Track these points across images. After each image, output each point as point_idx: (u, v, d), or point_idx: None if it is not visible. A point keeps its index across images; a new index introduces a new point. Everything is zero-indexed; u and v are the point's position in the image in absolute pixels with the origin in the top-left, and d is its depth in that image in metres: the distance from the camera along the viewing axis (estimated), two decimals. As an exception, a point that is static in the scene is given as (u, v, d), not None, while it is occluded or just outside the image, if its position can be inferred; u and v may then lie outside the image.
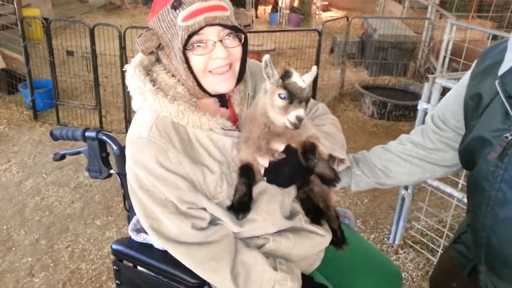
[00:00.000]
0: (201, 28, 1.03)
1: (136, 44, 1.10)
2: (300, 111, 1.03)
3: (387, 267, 1.47)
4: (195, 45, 1.06)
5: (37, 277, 2.32)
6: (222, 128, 1.13)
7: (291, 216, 1.28)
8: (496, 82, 1.06)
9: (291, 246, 1.23)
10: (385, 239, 2.76)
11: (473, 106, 1.16)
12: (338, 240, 1.34)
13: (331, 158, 1.25)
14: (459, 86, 1.23)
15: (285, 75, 1.07)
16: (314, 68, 1.12)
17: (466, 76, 1.21)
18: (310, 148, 1.12)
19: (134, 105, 1.17)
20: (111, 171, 1.27)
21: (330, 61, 6.53)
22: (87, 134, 1.24)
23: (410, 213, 2.57)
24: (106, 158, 1.27)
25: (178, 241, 1.09)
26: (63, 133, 1.28)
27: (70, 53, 4.04)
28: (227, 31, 1.08)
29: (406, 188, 2.48)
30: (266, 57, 1.05)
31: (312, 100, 1.41)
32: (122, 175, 1.22)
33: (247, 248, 1.17)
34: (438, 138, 1.32)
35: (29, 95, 4.18)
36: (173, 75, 1.14)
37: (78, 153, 1.30)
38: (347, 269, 1.41)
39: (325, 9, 10.80)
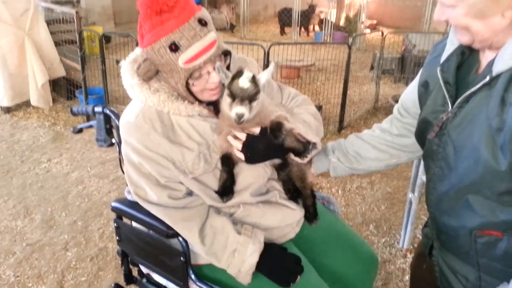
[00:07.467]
0: (200, 66, 1.20)
1: (136, 73, 1.27)
2: (239, 109, 1.18)
3: (361, 249, 1.56)
4: (194, 78, 1.23)
5: (70, 251, 2.64)
6: (199, 115, 1.29)
7: (267, 192, 1.44)
8: (438, 69, 1.19)
9: (261, 215, 1.38)
10: (396, 243, 2.80)
11: (424, 92, 1.29)
12: (311, 215, 1.48)
13: (307, 143, 1.38)
14: (418, 76, 1.36)
15: (236, 75, 1.21)
16: (272, 64, 1.27)
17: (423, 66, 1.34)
18: (276, 126, 1.27)
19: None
20: (113, 140, 1.53)
21: (370, 76, 6.59)
22: (95, 109, 1.50)
23: (419, 217, 2.61)
24: (109, 130, 1.52)
25: (158, 204, 1.30)
26: (79, 109, 1.56)
27: (118, 62, 4.47)
28: (218, 56, 1.25)
29: (413, 191, 2.54)
30: (217, 64, 1.21)
31: (293, 91, 1.58)
32: (121, 143, 1.46)
33: (218, 215, 1.34)
34: (401, 125, 1.44)
35: (83, 100, 4.69)
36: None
37: (90, 126, 1.58)
38: (322, 247, 1.52)
39: (374, 27, 10.82)
